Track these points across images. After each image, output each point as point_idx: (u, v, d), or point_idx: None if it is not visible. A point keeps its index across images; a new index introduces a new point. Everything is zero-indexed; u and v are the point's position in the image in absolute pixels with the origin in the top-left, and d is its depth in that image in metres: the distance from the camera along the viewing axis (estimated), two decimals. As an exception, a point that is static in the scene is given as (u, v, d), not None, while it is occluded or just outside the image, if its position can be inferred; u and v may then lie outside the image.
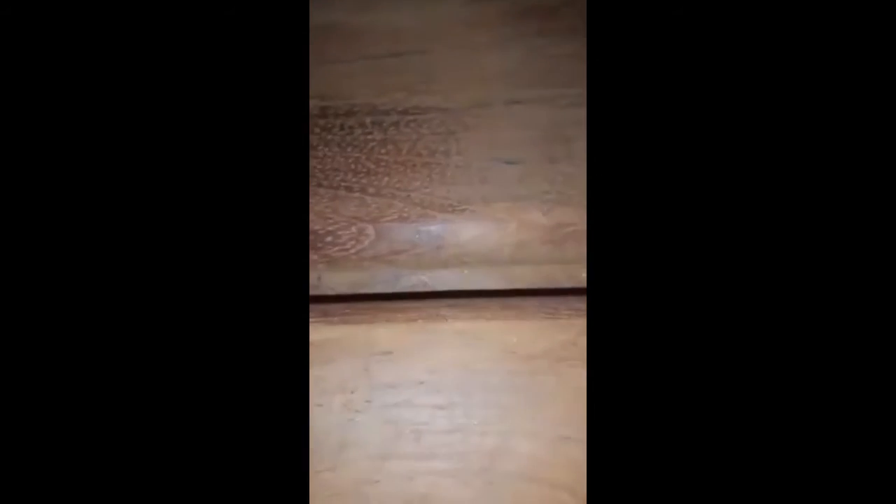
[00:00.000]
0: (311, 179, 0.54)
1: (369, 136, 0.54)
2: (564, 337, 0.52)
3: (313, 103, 0.55)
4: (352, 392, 0.52)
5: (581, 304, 0.53)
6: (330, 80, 0.55)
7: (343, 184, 0.54)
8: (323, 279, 0.53)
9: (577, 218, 0.53)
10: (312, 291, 0.53)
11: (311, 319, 0.52)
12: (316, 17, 0.56)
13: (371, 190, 0.54)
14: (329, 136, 0.54)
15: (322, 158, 0.54)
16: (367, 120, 0.54)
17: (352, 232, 0.53)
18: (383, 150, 0.54)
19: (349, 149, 0.54)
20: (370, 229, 0.53)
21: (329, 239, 0.53)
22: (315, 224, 0.53)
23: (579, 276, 0.53)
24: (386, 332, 0.53)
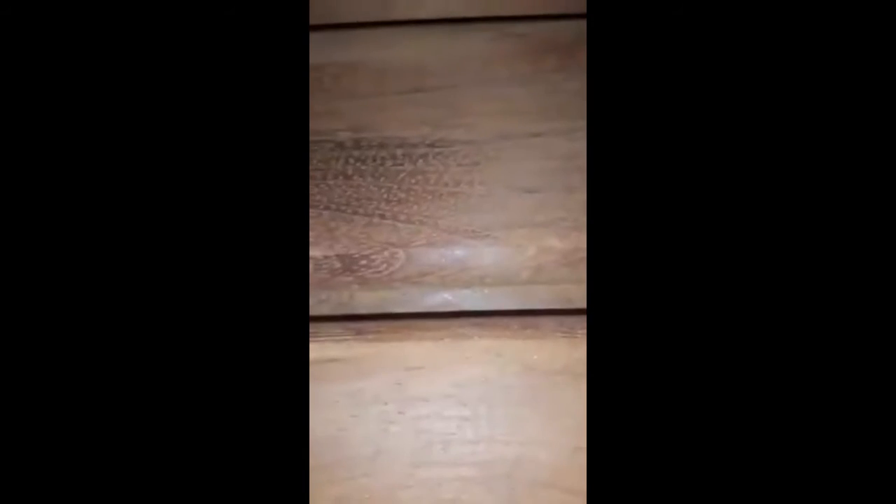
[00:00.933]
0: (347, 207, 0.58)
1: (400, 167, 0.58)
2: (580, 354, 0.56)
3: (347, 135, 0.59)
4: (385, 404, 0.56)
5: (595, 323, 0.57)
6: (362, 113, 0.59)
7: (377, 211, 0.58)
8: (356, 298, 0.57)
9: (591, 243, 0.57)
10: (345, 310, 0.57)
11: (346, 337, 0.57)
12: (349, 54, 0.59)
13: (402, 217, 0.58)
14: (363, 167, 0.58)
15: (357, 187, 0.58)
16: (398, 152, 0.58)
17: (384, 256, 0.57)
18: (413, 181, 0.58)
19: (382, 178, 0.58)
20: (401, 253, 0.57)
21: (364, 262, 0.57)
22: (351, 248, 0.57)
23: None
24: (416, 350, 0.57)
